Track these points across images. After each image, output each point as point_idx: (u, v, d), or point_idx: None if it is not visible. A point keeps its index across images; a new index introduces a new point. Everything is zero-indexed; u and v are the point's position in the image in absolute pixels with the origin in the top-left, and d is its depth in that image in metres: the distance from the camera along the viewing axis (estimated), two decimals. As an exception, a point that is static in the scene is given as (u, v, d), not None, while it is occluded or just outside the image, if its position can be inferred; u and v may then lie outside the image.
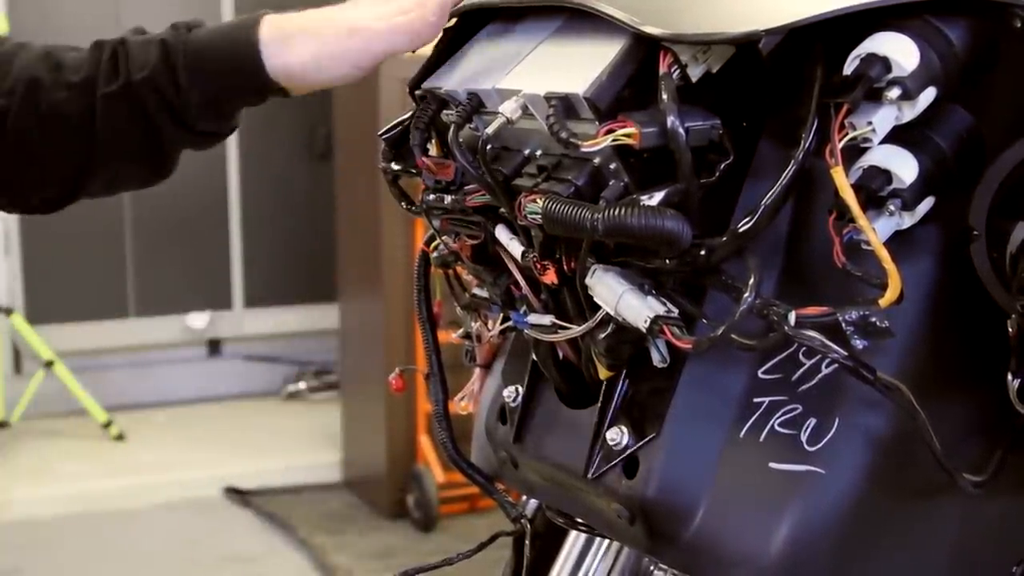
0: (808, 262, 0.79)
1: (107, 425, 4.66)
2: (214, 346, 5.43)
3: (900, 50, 0.72)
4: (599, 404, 0.86)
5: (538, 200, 0.79)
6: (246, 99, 1.08)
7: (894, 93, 0.71)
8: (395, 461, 3.92)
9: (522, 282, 0.89)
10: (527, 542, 0.99)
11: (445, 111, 0.91)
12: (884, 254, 0.71)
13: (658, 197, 0.76)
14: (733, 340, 0.74)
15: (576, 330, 0.85)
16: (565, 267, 0.84)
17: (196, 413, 5.12)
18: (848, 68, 0.73)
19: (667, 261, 0.77)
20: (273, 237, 5.38)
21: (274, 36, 1.04)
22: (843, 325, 0.72)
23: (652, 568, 1.01)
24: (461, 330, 1.05)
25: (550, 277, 0.85)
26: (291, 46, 1.04)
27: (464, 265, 0.96)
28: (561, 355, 0.91)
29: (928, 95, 0.72)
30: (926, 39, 0.72)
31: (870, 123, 0.72)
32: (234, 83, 1.06)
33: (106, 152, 1.08)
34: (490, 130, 0.81)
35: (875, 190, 0.73)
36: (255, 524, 4.04)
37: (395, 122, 0.99)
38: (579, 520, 0.97)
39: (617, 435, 0.83)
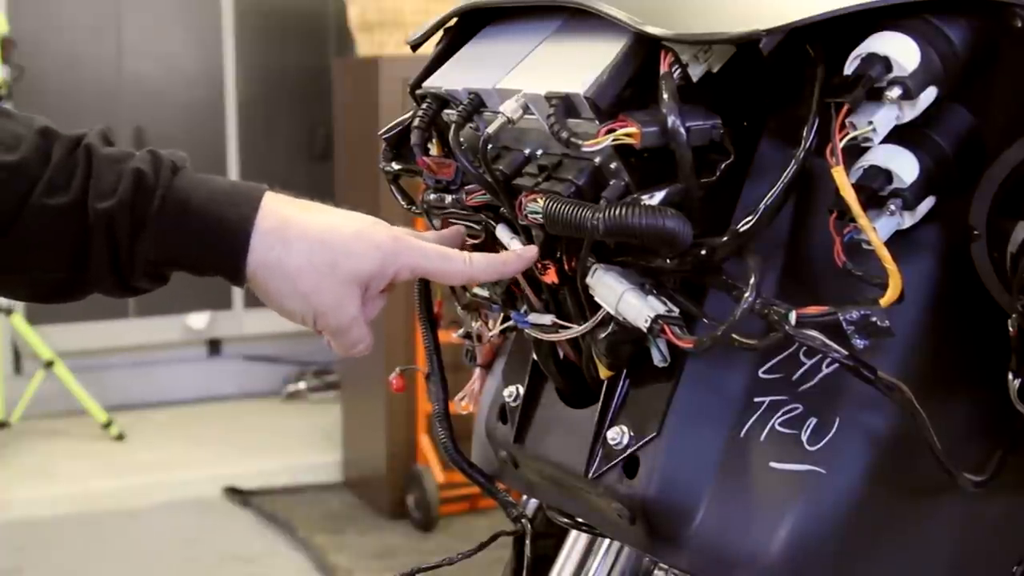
0: (809, 261, 0.79)
1: (107, 425, 4.65)
2: (214, 346, 5.42)
3: (900, 50, 0.72)
4: (599, 404, 0.85)
5: (539, 200, 0.79)
6: (199, 274, 0.90)
7: (895, 93, 0.71)
8: (395, 461, 3.92)
9: (522, 282, 0.89)
10: (527, 542, 0.99)
11: (446, 111, 0.91)
12: (885, 254, 0.71)
13: (659, 197, 0.76)
14: (734, 340, 0.74)
15: (577, 330, 0.85)
16: (566, 266, 0.84)
17: (196, 413, 5.11)
18: (849, 68, 0.73)
19: (668, 260, 0.77)
20: (273, 237, 5.37)
21: (272, 227, 0.87)
22: (844, 325, 0.72)
23: (652, 568, 1.01)
24: (461, 330, 1.05)
25: (551, 277, 0.85)
26: (288, 247, 0.87)
27: (464, 265, 0.95)
28: (562, 355, 0.91)
29: (928, 95, 0.72)
30: (926, 39, 0.72)
31: (871, 123, 0.72)
32: (201, 261, 0.88)
33: (7, 257, 0.87)
34: (491, 130, 0.81)
35: (876, 190, 0.73)
36: (255, 524, 4.03)
37: (395, 122, 0.99)
38: (580, 520, 0.97)
39: (617, 435, 0.83)
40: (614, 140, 0.75)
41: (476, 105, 0.87)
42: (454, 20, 0.98)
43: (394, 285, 0.91)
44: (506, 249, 0.88)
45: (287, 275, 0.87)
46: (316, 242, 0.88)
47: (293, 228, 0.88)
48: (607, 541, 1.04)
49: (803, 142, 0.74)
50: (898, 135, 0.73)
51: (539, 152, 0.84)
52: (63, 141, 0.88)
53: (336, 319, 0.89)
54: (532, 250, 0.86)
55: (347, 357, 0.93)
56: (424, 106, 0.92)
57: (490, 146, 0.83)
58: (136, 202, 0.86)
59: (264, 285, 0.88)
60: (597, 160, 0.79)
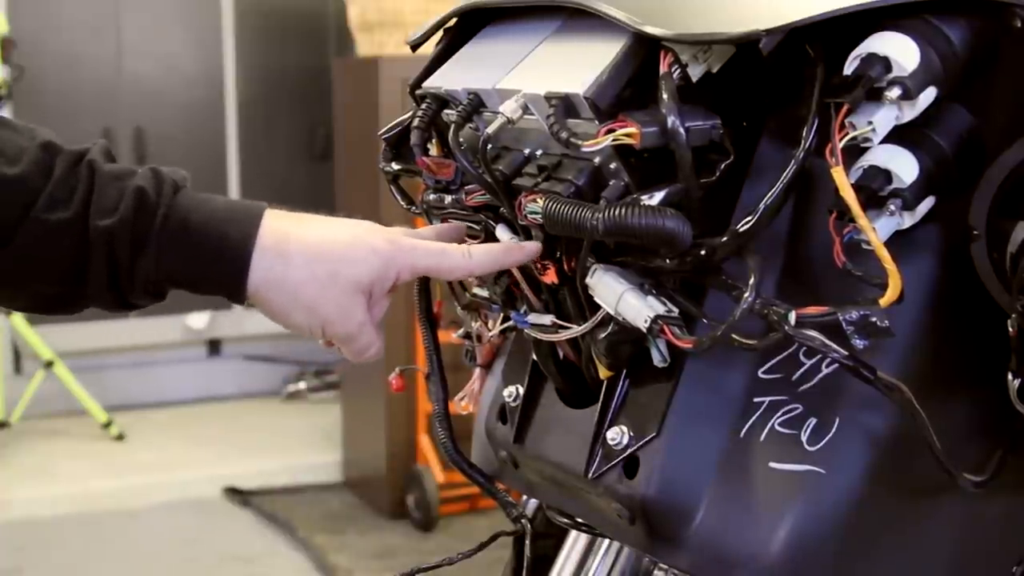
0: (808, 262, 0.79)
1: (107, 425, 4.65)
2: (214, 346, 5.42)
3: (900, 50, 0.72)
4: (599, 404, 0.85)
5: (538, 200, 0.79)
6: (199, 292, 0.90)
7: (894, 93, 0.71)
8: (395, 461, 3.92)
9: (522, 282, 0.89)
10: (527, 542, 0.99)
11: (445, 111, 0.91)
12: (884, 254, 0.71)
13: (658, 197, 0.76)
14: (733, 340, 0.74)
15: (576, 330, 0.85)
16: (565, 267, 0.84)
17: (196, 413, 5.11)
18: (848, 68, 0.73)
19: (667, 261, 0.77)
20: (273, 237, 5.36)
21: (272, 244, 0.88)
22: (843, 325, 0.72)
23: (652, 568, 1.01)
24: (461, 330, 1.05)
25: (550, 277, 0.85)
26: (288, 262, 0.88)
27: (464, 265, 0.95)
28: (561, 355, 0.91)
29: (928, 95, 0.72)
30: (926, 39, 0.72)
31: (870, 123, 0.72)
32: (202, 279, 0.88)
33: (6, 271, 0.87)
34: (491, 130, 0.81)
35: (875, 190, 0.73)
36: (255, 524, 4.03)
37: (395, 122, 0.99)
38: (579, 520, 0.97)
39: (617, 435, 0.83)
40: (614, 140, 0.75)
41: (476, 105, 0.87)
42: (454, 20, 0.98)
43: (397, 286, 0.92)
44: (506, 249, 0.88)
45: (290, 290, 0.88)
46: (315, 254, 0.88)
47: (292, 243, 0.88)
48: (607, 541, 1.04)
49: (803, 142, 0.74)
50: (898, 135, 0.73)
51: (539, 152, 0.84)
52: (65, 156, 0.87)
53: (344, 327, 0.90)
54: (535, 244, 0.86)
55: (360, 362, 0.94)
56: (424, 106, 0.92)
57: (490, 146, 0.83)
58: (137, 220, 0.86)
59: (268, 302, 0.89)
60: (597, 160, 0.79)
